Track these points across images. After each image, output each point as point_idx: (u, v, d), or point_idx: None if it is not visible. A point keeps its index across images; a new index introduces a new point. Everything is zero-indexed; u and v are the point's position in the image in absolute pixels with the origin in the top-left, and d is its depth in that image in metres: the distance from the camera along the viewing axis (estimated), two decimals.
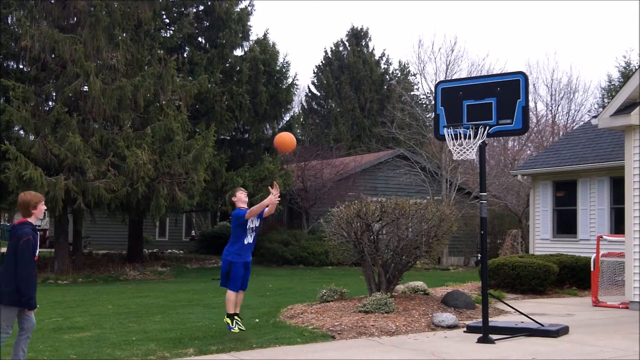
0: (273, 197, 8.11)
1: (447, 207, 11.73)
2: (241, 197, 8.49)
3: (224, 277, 8.36)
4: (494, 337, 8.27)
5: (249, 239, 8.37)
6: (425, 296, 11.49)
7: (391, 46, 71.75)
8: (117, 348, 7.64)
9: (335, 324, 9.03)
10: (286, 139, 8.28)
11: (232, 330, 8.20)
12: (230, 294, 8.31)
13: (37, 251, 6.10)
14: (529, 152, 33.04)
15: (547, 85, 41.80)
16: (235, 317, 8.30)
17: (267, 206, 8.25)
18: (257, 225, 8.44)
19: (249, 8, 24.01)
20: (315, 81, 47.01)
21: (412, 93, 43.05)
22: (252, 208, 8.25)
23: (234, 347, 7.63)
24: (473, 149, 8.51)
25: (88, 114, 18.31)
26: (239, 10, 23.62)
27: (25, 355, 6.18)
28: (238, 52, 24.01)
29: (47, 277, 18.24)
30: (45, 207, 6.36)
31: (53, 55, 18.69)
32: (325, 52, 46.84)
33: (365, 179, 27.21)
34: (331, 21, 74.56)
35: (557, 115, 37.51)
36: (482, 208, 8.65)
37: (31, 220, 6.09)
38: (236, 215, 8.34)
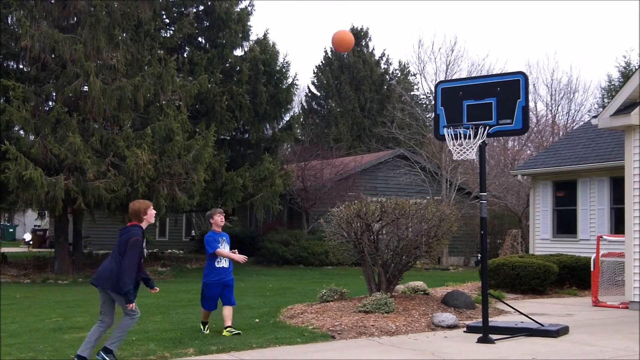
0: (240, 259, 8.58)
1: (447, 207, 11.71)
2: (217, 221, 8.69)
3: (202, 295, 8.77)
4: (494, 337, 8.27)
5: (222, 263, 8.63)
6: (425, 296, 11.48)
7: (391, 46, 71.88)
8: (117, 348, 7.63)
9: (335, 324, 9.03)
10: (345, 37, 8.77)
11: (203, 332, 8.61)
12: (202, 310, 8.76)
13: (146, 252, 6.91)
14: (529, 152, 33.04)
15: (547, 85, 41.86)
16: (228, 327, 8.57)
17: (233, 260, 8.63)
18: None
19: (249, 8, 24.04)
20: (315, 81, 47.00)
21: (412, 93, 43.06)
22: (222, 251, 8.56)
23: (234, 347, 7.63)
24: (473, 149, 8.51)
25: (88, 114, 18.30)
26: (239, 10, 23.63)
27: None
28: (238, 52, 24.05)
29: (47, 277, 18.24)
30: (155, 211, 7.09)
31: (53, 55, 18.68)
32: (325, 52, 46.82)
33: (365, 179, 27.19)
34: (331, 21, 74.59)
35: (557, 115, 37.58)
36: (482, 208, 8.65)
37: (142, 225, 6.88)
38: (205, 240, 8.62)
